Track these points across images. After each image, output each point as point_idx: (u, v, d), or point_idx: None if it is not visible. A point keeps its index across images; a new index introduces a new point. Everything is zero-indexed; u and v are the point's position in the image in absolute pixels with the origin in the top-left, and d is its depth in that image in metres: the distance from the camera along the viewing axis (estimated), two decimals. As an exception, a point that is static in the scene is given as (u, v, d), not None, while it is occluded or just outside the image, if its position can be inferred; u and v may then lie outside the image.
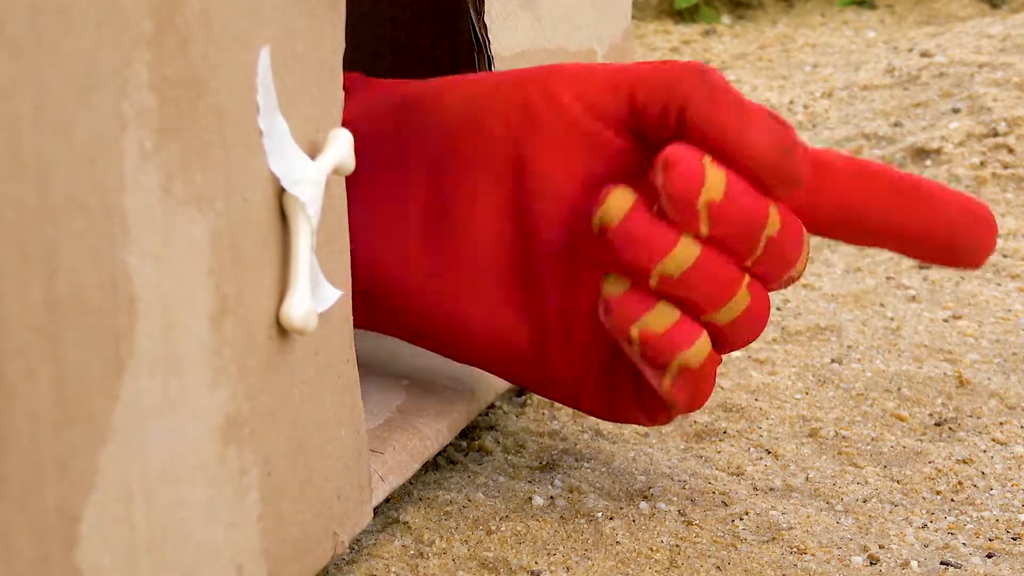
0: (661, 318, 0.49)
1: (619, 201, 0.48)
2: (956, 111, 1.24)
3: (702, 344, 0.50)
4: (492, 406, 0.71)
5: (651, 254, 0.47)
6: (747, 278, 0.50)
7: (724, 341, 0.51)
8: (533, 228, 0.52)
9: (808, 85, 1.52)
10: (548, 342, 0.53)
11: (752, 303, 0.50)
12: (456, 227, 0.53)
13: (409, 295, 0.54)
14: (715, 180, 0.47)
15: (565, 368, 0.54)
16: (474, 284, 0.53)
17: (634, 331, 0.49)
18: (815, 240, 0.98)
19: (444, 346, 0.55)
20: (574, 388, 0.54)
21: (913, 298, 0.91)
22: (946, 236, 0.52)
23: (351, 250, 0.47)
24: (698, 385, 0.51)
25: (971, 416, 0.69)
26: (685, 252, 0.47)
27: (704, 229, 0.48)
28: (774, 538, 0.55)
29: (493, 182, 0.52)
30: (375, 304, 0.54)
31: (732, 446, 0.66)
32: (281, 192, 0.41)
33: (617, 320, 0.49)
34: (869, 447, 0.65)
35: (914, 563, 0.53)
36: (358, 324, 0.57)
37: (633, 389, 0.53)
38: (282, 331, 0.41)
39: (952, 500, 0.59)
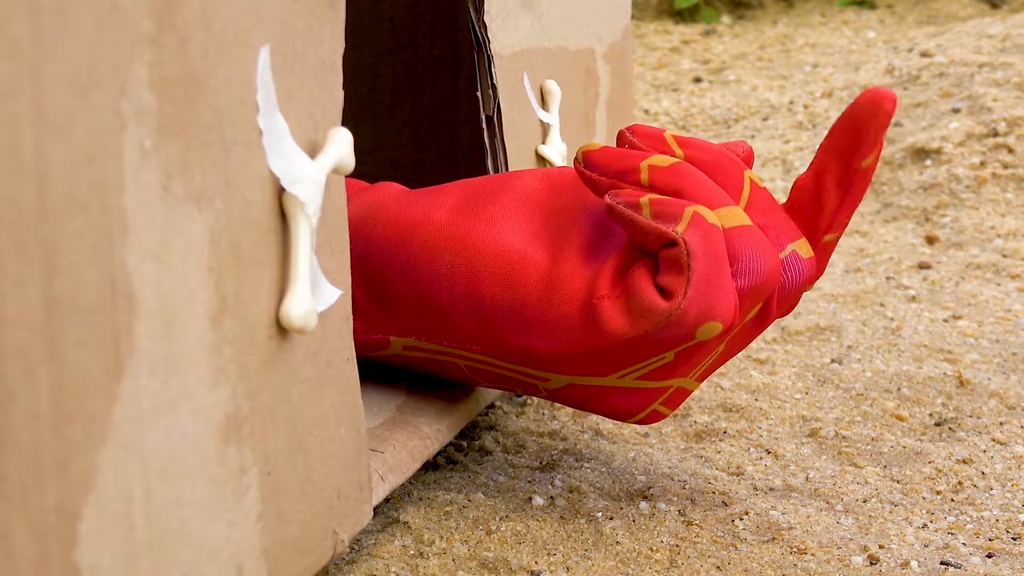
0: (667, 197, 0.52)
1: (593, 143, 0.55)
2: (956, 111, 1.24)
3: (711, 211, 0.51)
4: (492, 406, 0.71)
5: (637, 156, 0.53)
6: (741, 209, 0.53)
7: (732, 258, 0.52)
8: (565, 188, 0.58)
9: (808, 85, 1.52)
10: (565, 259, 0.53)
11: (752, 230, 0.52)
12: (496, 196, 0.57)
13: (438, 226, 0.56)
14: (674, 135, 0.55)
15: (577, 274, 0.53)
16: (501, 220, 0.56)
17: (644, 199, 0.51)
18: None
19: (458, 272, 0.55)
20: (582, 284, 0.53)
21: (913, 298, 0.91)
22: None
23: (387, 202, 0.55)
24: (709, 243, 0.50)
25: (971, 416, 0.69)
26: (665, 156, 0.54)
27: (678, 151, 0.54)
28: (774, 538, 0.55)
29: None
30: (410, 242, 0.56)
31: (732, 446, 0.66)
32: (281, 191, 0.41)
33: (626, 196, 0.52)
34: (869, 447, 0.65)
35: (914, 563, 0.53)
36: (369, 327, 0.57)
37: (651, 273, 0.52)
38: (282, 330, 0.41)
39: (952, 500, 0.59)
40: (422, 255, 0.56)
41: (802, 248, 0.53)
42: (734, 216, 0.52)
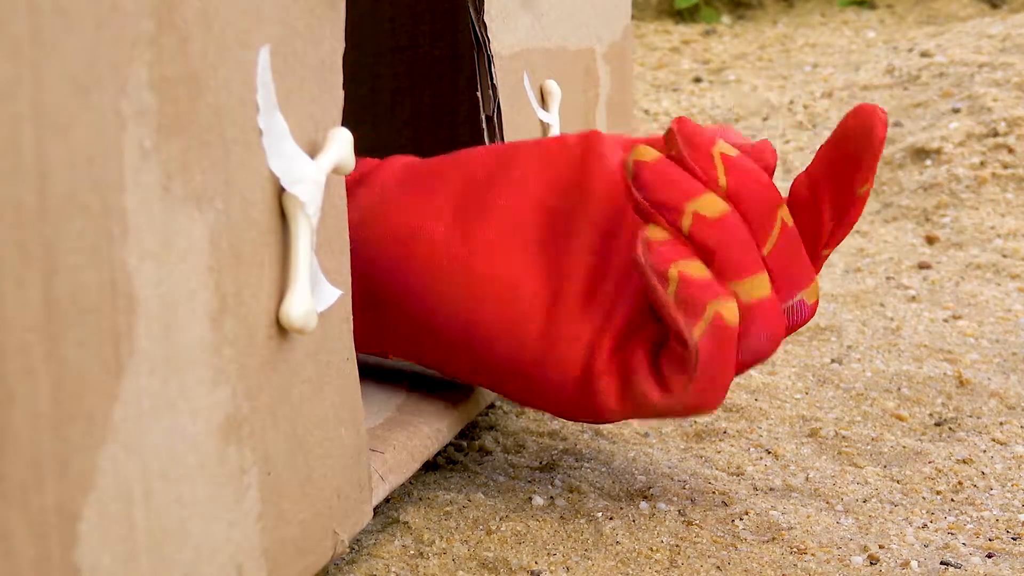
0: (698, 268, 0.51)
1: (648, 150, 0.52)
2: (956, 111, 1.24)
3: (733, 306, 0.50)
4: (492, 406, 0.71)
5: (684, 193, 0.51)
6: (766, 273, 0.52)
7: (744, 332, 0.52)
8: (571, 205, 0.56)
9: (808, 85, 1.52)
10: (564, 303, 0.53)
11: (769, 302, 0.52)
12: (494, 196, 0.56)
13: (437, 242, 0.55)
14: (725, 146, 0.52)
15: (576, 326, 0.53)
16: (498, 243, 0.55)
17: (673, 270, 0.50)
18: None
19: (456, 301, 0.54)
20: (580, 351, 0.53)
21: (913, 298, 0.91)
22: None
23: (387, 208, 0.54)
24: (722, 350, 0.51)
25: (971, 416, 0.69)
26: (713, 200, 0.51)
27: (723, 180, 0.51)
28: (774, 538, 0.55)
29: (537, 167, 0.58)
30: (408, 257, 0.56)
31: (732, 446, 0.66)
32: (281, 191, 0.41)
33: (656, 259, 0.50)
34: (869, 447, 0.65)
35: (914, 563, 0.53)
36: (369, 342, 0.57)
37: (650, 355, 0.53)
38: (282, 330, 0.41)
39: (952, 500, 0.59)
40: (421, 276, 0.55)
41: (809, 295, 0.54)
42: (757, 288, 0.51)
